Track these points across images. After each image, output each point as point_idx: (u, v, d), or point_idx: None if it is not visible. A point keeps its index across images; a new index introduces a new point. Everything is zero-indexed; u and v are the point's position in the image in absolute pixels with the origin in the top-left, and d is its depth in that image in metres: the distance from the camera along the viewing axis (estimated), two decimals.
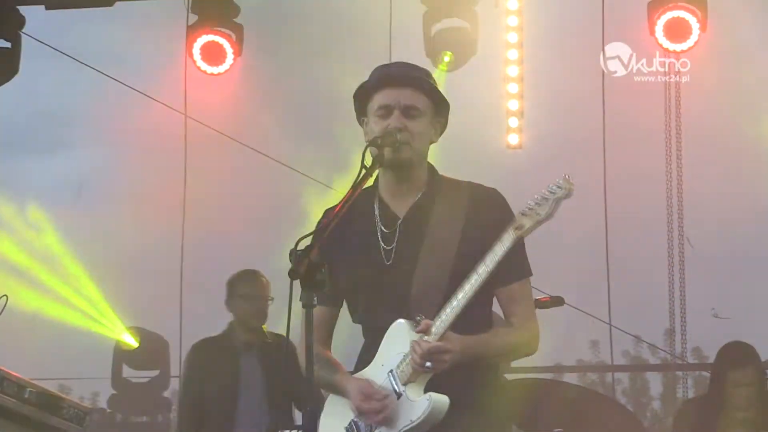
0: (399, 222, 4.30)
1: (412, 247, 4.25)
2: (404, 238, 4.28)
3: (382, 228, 4.31)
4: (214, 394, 7.45)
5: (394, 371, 4.16)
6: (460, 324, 4.12)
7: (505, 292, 4.29)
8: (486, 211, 4.24)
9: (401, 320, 4.19)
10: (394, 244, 4.28)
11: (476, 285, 4.09)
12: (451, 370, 4.11)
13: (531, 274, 4.36)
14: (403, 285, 4.22)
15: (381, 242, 4.29)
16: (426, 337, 4.08)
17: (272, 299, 7.51)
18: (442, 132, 4.40)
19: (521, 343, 4.33)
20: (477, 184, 4.35)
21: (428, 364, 4.05)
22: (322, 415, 4.34)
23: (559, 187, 4.01)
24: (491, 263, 4.08)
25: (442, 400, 4.09)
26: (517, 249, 4.21)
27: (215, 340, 7.68)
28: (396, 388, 4.13)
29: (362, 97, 4.35)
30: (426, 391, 4.12)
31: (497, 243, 4.09)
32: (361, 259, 4.32)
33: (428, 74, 4.41)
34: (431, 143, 4.35)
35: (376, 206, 4.34)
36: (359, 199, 4.22)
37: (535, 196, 4.06)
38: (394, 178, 4.33)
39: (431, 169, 4.39)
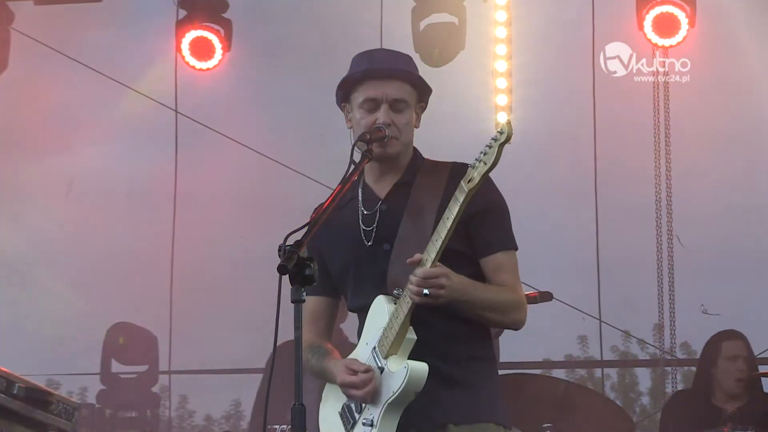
0: (379, 203, 4.33)
1: (392, 226, 4.27)
2: (384, 218, 4.31)
3: (364, 210, 4.34)
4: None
5: (376, 347, 4.16)
6: None
7: (491, 262, 4.26)
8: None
9: (380, 296, 4.21)
10: (374, 225, 4.31)
11: (448, 225, 4.00)
12: (434, 345, 4.12)
13: (516, 248, 4.32)
14: (383, 263, 4.24)
15: (362, 224, 4.32)
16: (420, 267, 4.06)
17: None
18: (421, 114, 4.41)
19: (510, 304, 4.26)
20: (460, 162, 4.29)
21: (426, 291, 4.02)
22: (320, 404, 4.36)
23: (501, 132, 3.96)
24: (451, 214, 4.01)
25: (420, 367, 4.07)
26: (500, 222, 4.26)
27: None
28: (378, 363, 4.14)
29: (346, 87, 4.37)
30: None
31: (452, 199, 4.04)
32: (346, 245, 4.35)
33: (410, 61, 4.44)
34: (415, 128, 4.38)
35: (360, 192, 4.38)
36: (348, 190, 4.26)
37: (483, 148, 4.00)
38: (378, 166, 4.37)
39: (415, 151, 4.42)
